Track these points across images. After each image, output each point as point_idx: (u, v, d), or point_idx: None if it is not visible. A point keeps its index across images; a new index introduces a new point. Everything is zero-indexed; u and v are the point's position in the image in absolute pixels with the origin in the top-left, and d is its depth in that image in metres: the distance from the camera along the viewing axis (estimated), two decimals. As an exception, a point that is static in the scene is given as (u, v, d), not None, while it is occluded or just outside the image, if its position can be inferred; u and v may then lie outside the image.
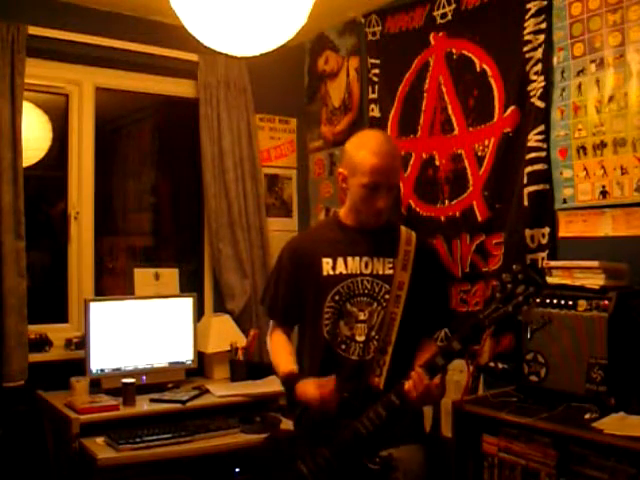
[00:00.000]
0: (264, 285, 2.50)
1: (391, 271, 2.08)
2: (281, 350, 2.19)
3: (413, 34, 3.19)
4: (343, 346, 2.06)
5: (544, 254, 2.60)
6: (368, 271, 2.08)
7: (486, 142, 2.84)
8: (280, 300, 2.20)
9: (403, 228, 2.19)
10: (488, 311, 1.80)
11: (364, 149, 2.04)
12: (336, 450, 1.92)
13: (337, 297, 2.07)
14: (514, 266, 1.83)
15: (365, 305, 2.06)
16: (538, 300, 2.23)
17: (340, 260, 2.09)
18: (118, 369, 3.06)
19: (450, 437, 2.36)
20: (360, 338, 2.05)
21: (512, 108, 2.71)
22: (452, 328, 2.68)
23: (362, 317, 2.05)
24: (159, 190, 4.06)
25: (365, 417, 1.89)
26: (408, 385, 1.84)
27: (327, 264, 2.10)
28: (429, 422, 2.82)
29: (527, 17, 2.66)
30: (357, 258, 2.09)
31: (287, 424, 2.71)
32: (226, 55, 2.33)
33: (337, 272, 2.08)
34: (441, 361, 1.84)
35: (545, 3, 2.61)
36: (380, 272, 2.08)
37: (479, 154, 2.87)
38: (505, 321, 1.84)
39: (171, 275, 3.47)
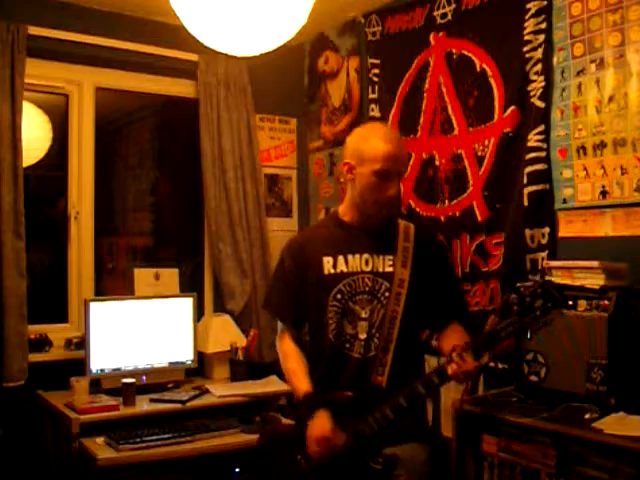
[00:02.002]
0: (267, 289, 2.48)
1: (391, 268, 2.07)
2: (294, 365, 2.12)
3: (413, 34, 3.19)
4: (347, 345, 2.05)
5: (544, 254, 2.60)
6: (369, 268, 2.07)
7: (486, 142, 2.84)
8: (286, 302, 2.18)
9: (401, 222, 2.18)
10: (505, 323, 1.80)
11: (374, 137, 2.04)
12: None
13: (339, 296, 2.07)
14: (532, 277, 1.83)
15: (366, 303, 2.06)
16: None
17: (341, 258, 2.09)
18: (118, 369, 3.06)
19: (450, 437, 2.36)
20: (362, 336, 2.05)
21: (512, 108, 2.71)
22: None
23: (364, 315, 2.05)
24: (159, 190, 4.06)
25: (371, 418, 1.89)
26: (452, 369, 1.83)
27: (328, 263, 2.09)
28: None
29: (527, 17, 2.66)
30: (357, 256, 2.09)
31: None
32: (226, 55, 2.33)
33: (338, 270, 2.08)
34: (437, 380, 1.86)
35: (545, 3, 2.61)
36: (380, 269, 2.07)
37: (479, 154, 2.87)
38: (520, 333, 1.84)
39: (171, 275, 3.47)
